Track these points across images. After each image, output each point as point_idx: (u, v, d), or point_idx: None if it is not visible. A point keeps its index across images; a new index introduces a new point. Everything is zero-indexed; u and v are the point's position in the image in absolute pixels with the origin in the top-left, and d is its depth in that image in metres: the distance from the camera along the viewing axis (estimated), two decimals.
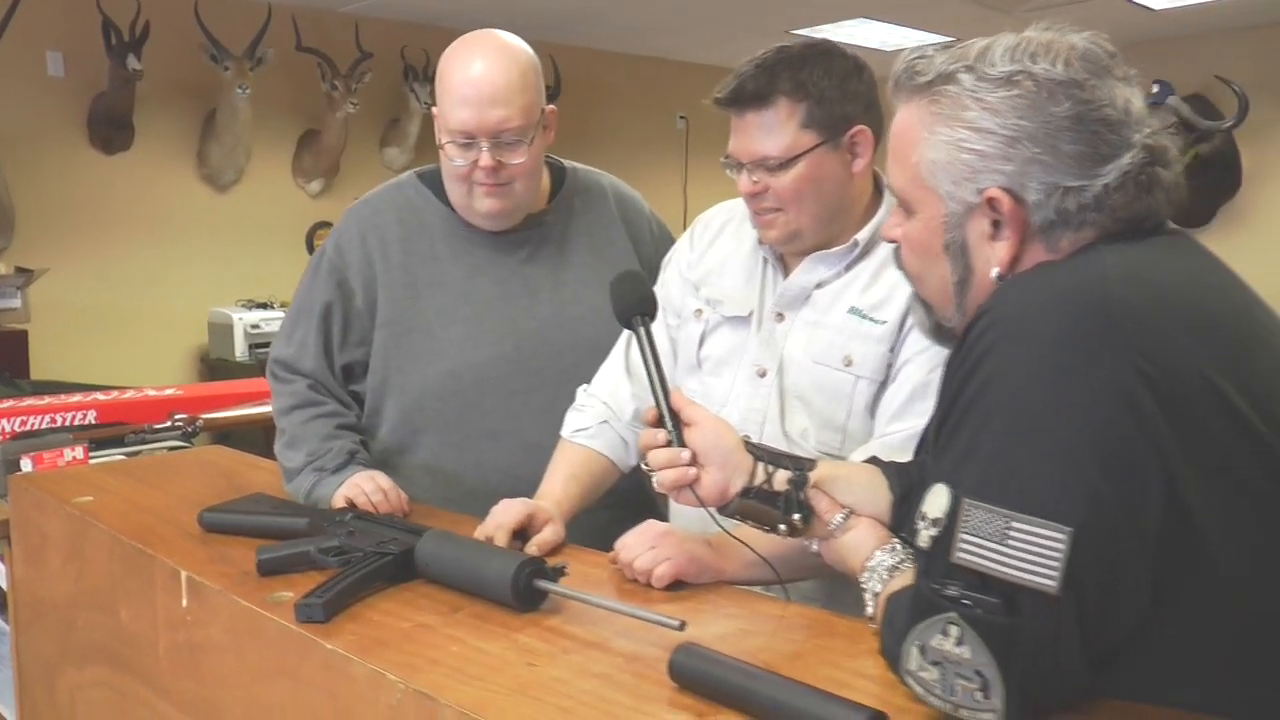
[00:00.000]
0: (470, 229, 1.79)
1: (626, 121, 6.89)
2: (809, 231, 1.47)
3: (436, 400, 1.78)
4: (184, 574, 1.36)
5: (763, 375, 1.51)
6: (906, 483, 1.21)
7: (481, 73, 1.63)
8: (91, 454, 2.38)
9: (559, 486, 1.56)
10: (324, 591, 1.17)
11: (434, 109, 1.72)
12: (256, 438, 4.33)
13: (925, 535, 0.90)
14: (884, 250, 1.45)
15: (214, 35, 4.85)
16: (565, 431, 1.64)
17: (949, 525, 0.87)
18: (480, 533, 1.43)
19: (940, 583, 0.87)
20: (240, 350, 4.93)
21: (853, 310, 1.45)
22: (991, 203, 0.97)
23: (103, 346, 4.87)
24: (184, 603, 1.37)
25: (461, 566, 1.25)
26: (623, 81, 6.73)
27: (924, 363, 1.39)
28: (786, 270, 1.53)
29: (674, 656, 0.97)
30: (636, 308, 1.28)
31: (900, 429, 1.40)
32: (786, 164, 1.41)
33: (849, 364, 1.44)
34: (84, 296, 4.85)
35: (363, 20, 5.53)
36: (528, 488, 1.59)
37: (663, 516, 1.57)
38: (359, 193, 6.11)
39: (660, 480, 1.19)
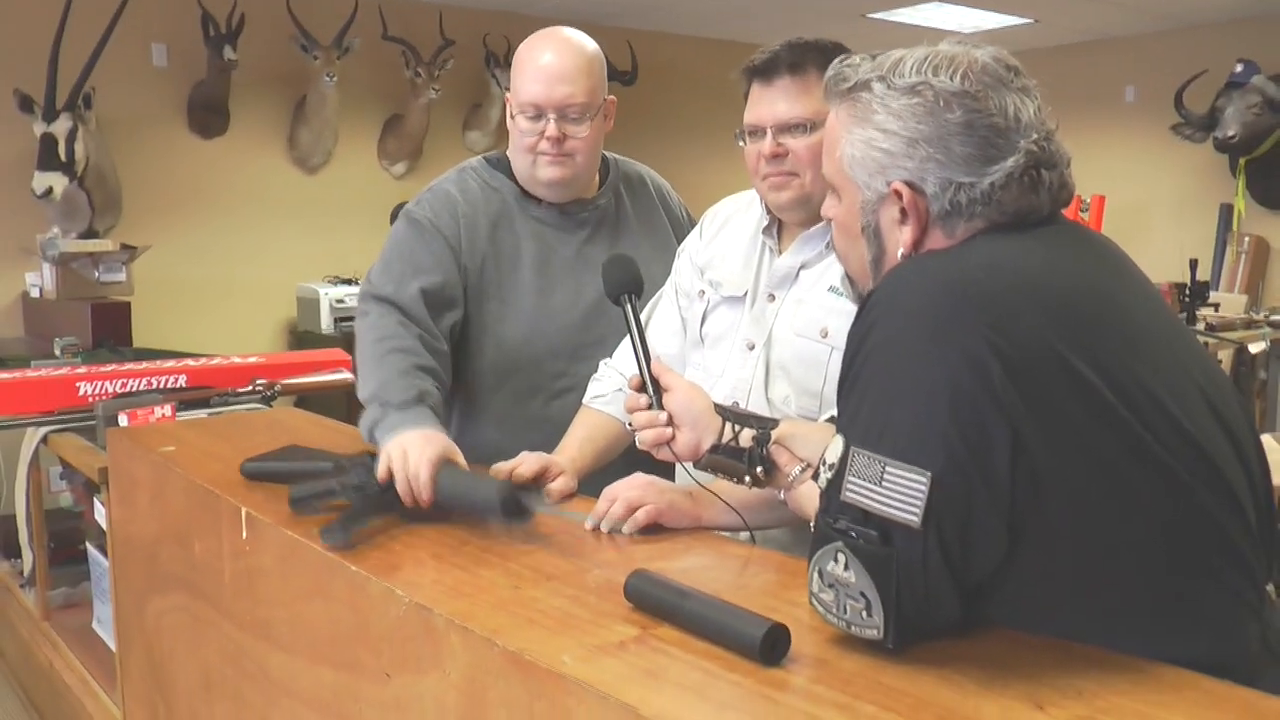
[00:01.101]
0: (540, 210, 1.98)
1: (699, 105, 7.03)
2: (817, 199, 1.56)
3: (509, 363, 1.98)
4: (244, 511, 1.59)
5: (751, 348, 1.67)
6: None
7: (552, 57, 1.87)
8: (178, 413, 2.65)
9: (575, 446, 1.76)
10: (344, 519, 1.39)
11: (508, 94, 1.95)
12: (334, 403, 4.61)
13: (824, 478, 1.06)
14: None
15: (304, 26, 5.13)
16: (585, 398, 1.84)
17: (840, 469, 1.03)
18: (500, 468, 1.63)
19: (834, 517, 1.04)
20: (326, 323, 5.22)
21: (832, 289, 1.60)
22: (897, 194, 1.13)
23: (198, 318, 5.21)
24: (243, 535, 1.59)
25: (457, 486, 1.46)
26: (696, 65, 6.87)
27: None
28: (782, 251, 1.69)
29: (628, 580, 1.16)
30: (623, 287, 1.48)
31: None
32: (812, 128, 1.54)
33: (825, 335, 1.59)
34: (182, 271, 5.18)
35: (446, 9, 5.76)
36: None
37: (669, 477, 1.76)
38: (440, 174, 6.33)
39: (641, 439, 1.38)
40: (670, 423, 1.36)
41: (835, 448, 1.05)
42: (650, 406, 1.38)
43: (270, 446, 2.07)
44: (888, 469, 0.99)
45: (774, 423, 1.37)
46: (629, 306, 1.46)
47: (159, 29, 5.07)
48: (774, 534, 1.53)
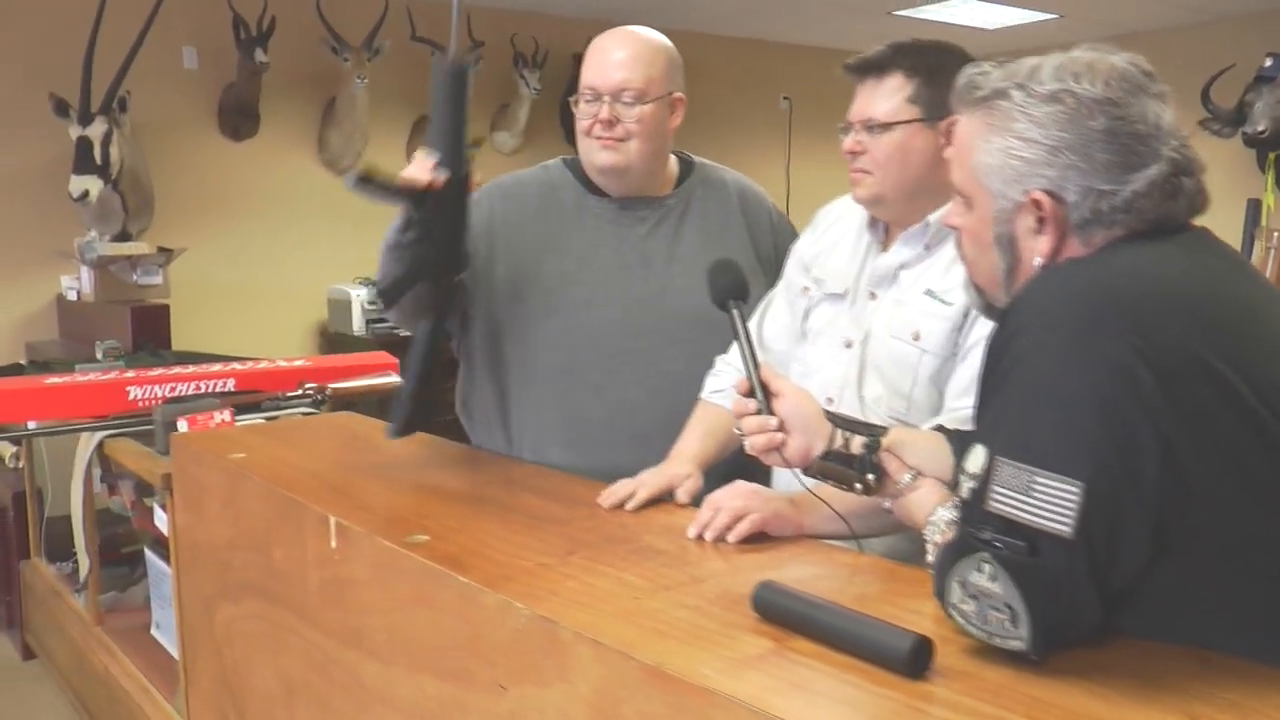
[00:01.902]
0: (599, 204, 1.98)
1: (729, 103, 7.01)
2: (891, 198, 1.62)
3: (547, 352, 1.98)
4: (332, 520, 1.58)
5: (848, 346, 1.67)
6: (965, 447, 1.36)
7: (612, 45, 1.93)
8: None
9: (696, 442, 1.76)
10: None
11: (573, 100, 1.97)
12: (382, 408, 4.59)
13: (966, 487, 1.05)
14: None
15: (334, 28, 5.13)
16: (704, 394, 1.83)
17: (984, 479, 1.02)
18: (617, 491, 1.62)
19: (977, 527, 1.02)
20: (358, 325, 5.21)
21: (928, 292, 1.60)
22: (1035, 203, 1.11)
23: (230, 320, 5.20)
24: (333, 544, 1.58)
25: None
26: (726, 63, 6.85)
27: None
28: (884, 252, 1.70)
29: (756, 591, 1.14)
30: (729, 292, 1.47)
31: (966, 405, 1.54)
32: (886, 128, 1.58)
33: (917, 338, 1.59)
34: (213, 273, 5.18)
35: (474, 10, 5.75)
36: (622, 439, 1.84)
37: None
38: None
39: (751, 444, 1.37)
40: (780, 428, 1.35)
41: (976, 457, 1.04)
42: (759, 412, 1.37)
43: (338, 452, 2.07)
44: (1036, 479, 0.98)
45: (883, 429, 1.36)
46: (736, 311, 1.45)
47: (190, 32, 5.07)
48: (876, 544, 1.51)
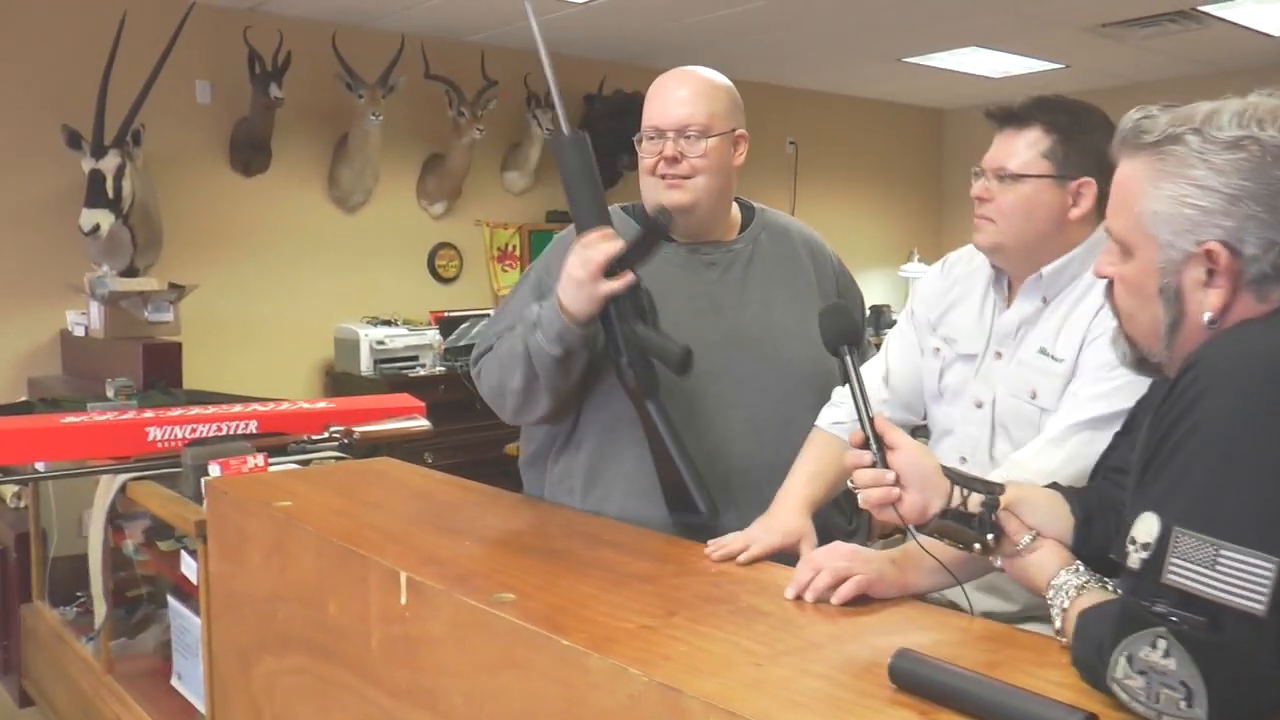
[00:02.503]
0: (667, 248, 1.91)
1: None
2: (1010, 249, 1.63)
3: (621, 401, 1.88)
4: (403, 575, 1.49)
5: (979, 406, 1.69)
6: (1086, 508, 1.32)
7: (673, 84, 1.91)
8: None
9: (804, 486, 1.71)
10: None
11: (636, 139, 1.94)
12: (408, 454, 4.47)
13: (1135, 558, 0.98)
14: (1072, 297, 1.61)
15: (349, 64, 5.09)
16: (822, 422, 1.80)
17: (1159, 550, 0.96)
18: (729, 545, 1.57)
19: (1149, 600, 0.96)
20: (365, 365, 5.13)
21: (1041, 350, 1.62)
22: (1209, 254, 1.05)
23: (234, 358, 5.10)
24: (403, 600, 1.50)
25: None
26: None
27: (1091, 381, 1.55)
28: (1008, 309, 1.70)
29: (894, 661, 1.07)
30: (842, 337, 1.42)
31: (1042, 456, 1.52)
32: (1016, 179, 1.60)
33: (1034, 397, 1.61)
34: (220, 310, 5.09)
35: (488, 49, 5.72)
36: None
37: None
38: (480, 215, 6.27)
39: (865, 498, 1.31)
40: (896, 482, 1.29)
41: (1148, 526, 0.98)
42: (874, 464, 1.31)
43: (387, 499, 1.99)
44: (1223, 553, 0.92)
45: (1000, 487, 1.29)
46: (849, 358, 1.39)
47: (203, 65, 5.01)
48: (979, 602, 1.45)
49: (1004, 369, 1.66)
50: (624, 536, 1.70)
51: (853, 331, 1.44)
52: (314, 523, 1.78)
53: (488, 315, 5.76)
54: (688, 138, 1.86)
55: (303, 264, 5.39)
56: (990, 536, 1.25)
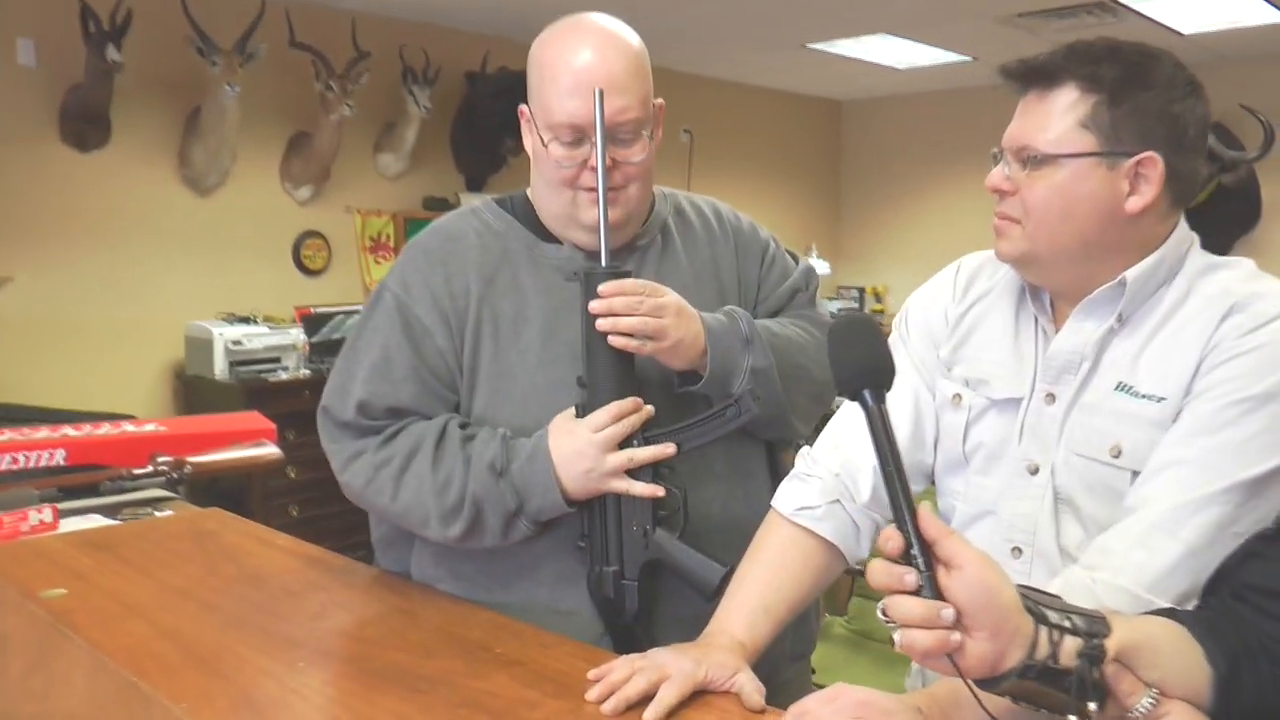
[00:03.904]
0: (559, 255, 1.52)
1: None
2: (1045, 258, 1.21)
3: None
4: None
5: (1034, 472, 1.23)
6: (1229, 653, 0.91)
7: (593, 59, 1.41)
8: (61, 506, 2.03)
9: (744, 617, 1.25)
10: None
11: (523, 107, 1.49)
12: (247, 494, 3.89)
13: None
14: (1159, 312, 1.18)
15: (202, 28, 4.48)
16: (785, 507, 1.34)
17: None
18: (616, 679, 1.14)
19: None
20: (220, 368, 4.54)
21: (1121, 386, 1.18)
22: None
23: (66, 363, 4.46)
24: None
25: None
26: None
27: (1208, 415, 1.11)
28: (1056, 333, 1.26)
29: None
30: (865, 377, 0.94)
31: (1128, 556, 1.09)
32: (1048, 161, 1.17)
33: (1118, 455, 1.16)
34: (47, 307, 4.44)
35: (360, 17, 5.16)
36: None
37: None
38: (350, 201, 5.68)
39: (908, 642, 0.86)
40: (957, 622, 0.86)
41: None
42: (920, 589, 0.87)
43: (204, 583, 1.49)
44: None
45: (1103, 623, 0.89)
46: (876, 409, 0.93)
47: (27, 22, 4.34)
48: None
49: (1064, 417, 1.22)
50: (531, 649, 1.25)
51: (878, 365, 0.96)
52: (90, 629, 1.29)
53: (358, 311, 5.22)
54: (623, 140, 1.43)
55: (148, 253, 4.75)
56: (1094, 706, 0.85)
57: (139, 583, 1.47)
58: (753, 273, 1.63)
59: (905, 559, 0.89)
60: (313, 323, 5.02)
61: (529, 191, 1.59)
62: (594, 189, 1.42)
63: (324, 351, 4.89)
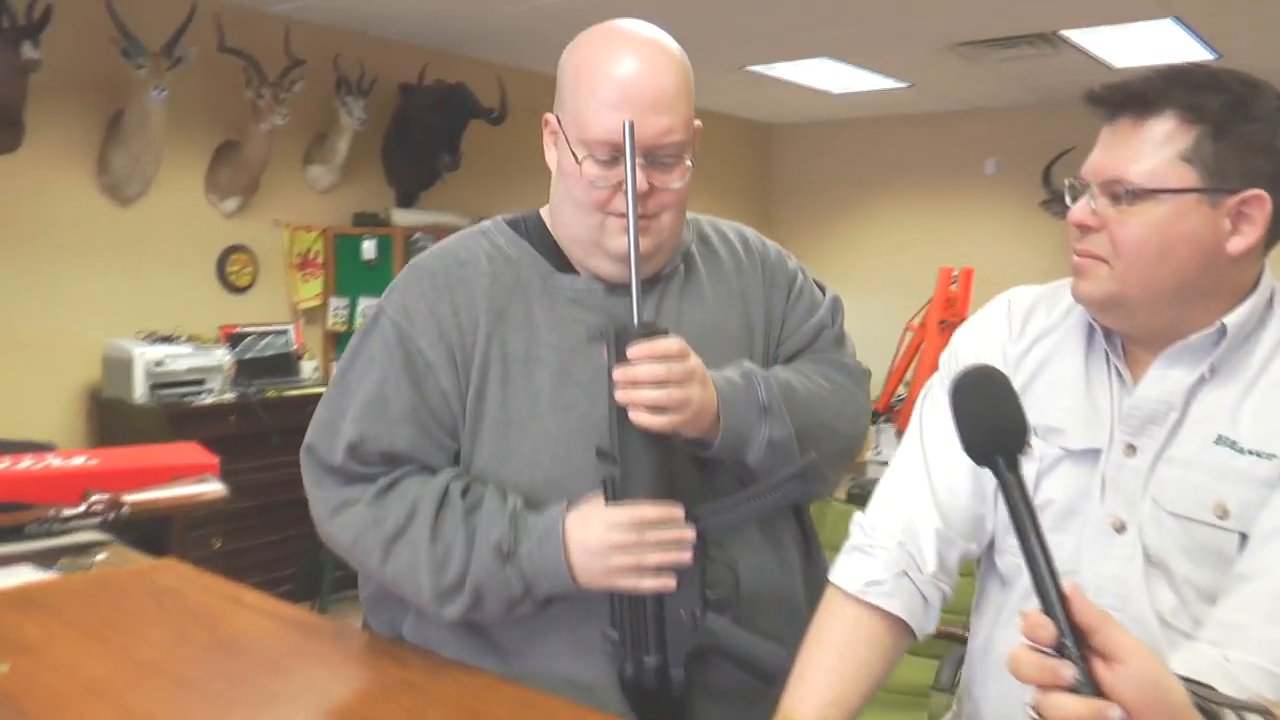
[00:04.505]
0: (576, 286, 1.39)
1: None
2: (1135, 302, 1.13)
3: (535, 495, 1.33)
4: None
5: (1120, 530, 1.14)
6: None
7: (639, 71, 1.29)
8: None
9: (815, 714, 1.13)
10: None
11: (548, 116, 1.37)
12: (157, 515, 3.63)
13: None
14: (1255, 360, 1.13)
15: (127, 28, 4.22)
16: (850, 583, 1.22)
17: None
18: None
19: None
20: (140, 391, 4.25)
21: (1220, 440, 1.10)
22: None
23: None
24: None
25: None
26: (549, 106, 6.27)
27: None
28: (1136, 378, 1.17)
29: None
30: (997, 441, 0.83)
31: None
32: (1141, 196, 1.09)
33: (1224, 516, 1.08)
34: None
35: (294, 23, 4.94)
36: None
37: None
38: (279, 214, 5.44)
39: None
40: None
41: None
42: (1077, 687, 0.76)
43: (176, 646, 1.31)
44: None
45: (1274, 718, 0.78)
46: (1012, 477, 0.83)
47: None
48: None
49: (1148, 472, 1.13)
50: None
51: (1011, 427, 0.85)
52: (44, 717, 1.10)
53: (285, 332, 5.04)
54: (664, 163, 1.30)
55: (62, 266, 4.45)
56: None
57: (97, 654, 1.28)
58: (779, 306, 1.50)
59: (1057, 648, 0.78)
60: (239, 342, 4.76)
61: (544, 212, 1.45)
62: (625, 215, 1.28)
63: (251, 373, 4.66)
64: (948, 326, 6.25)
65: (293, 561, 4.63)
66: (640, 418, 1.21)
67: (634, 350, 1.22)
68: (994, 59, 5.82)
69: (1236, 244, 1.09)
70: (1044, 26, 5.15)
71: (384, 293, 1.41)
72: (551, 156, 1.37)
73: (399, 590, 1.31)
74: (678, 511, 1.23)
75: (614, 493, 1.24)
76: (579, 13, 5.15)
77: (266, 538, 4.58)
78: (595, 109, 1.28)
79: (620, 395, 1.22)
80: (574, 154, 1.30)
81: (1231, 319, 1.11)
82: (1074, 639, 0.78)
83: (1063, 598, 0.79)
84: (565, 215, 1.38)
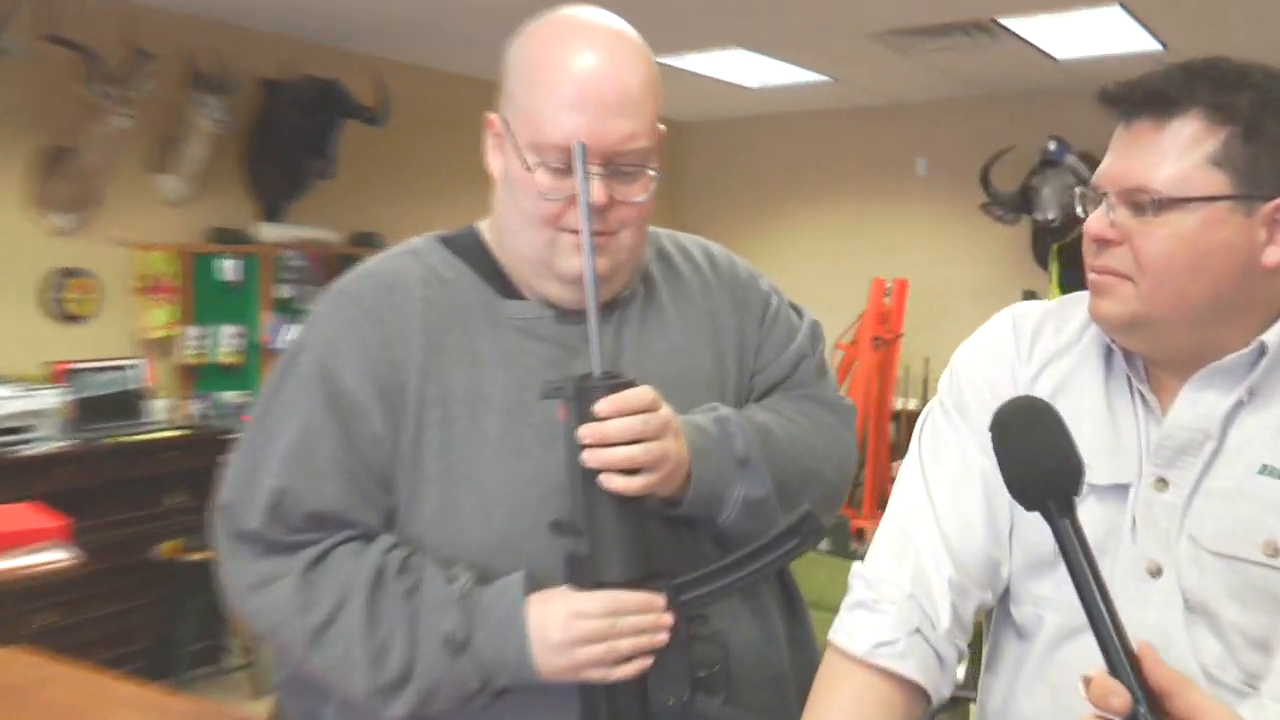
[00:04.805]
0: (524, 314, 1.29)
1: (459, 151, 5.89)
2: (1162, 322, 1.08)
3: (481, 553, 1.24)
4: None
5: (1156, 574, 1.10)
6: None
7: (602, 65, 1.20)
8: None
9: None
10: None
11: (492, 116, 1.27)
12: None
13: None
14: None
15: None
16: (856, 645, 1.14)
17: None
18: None
19: None
20: None
21: (1265, 470, 1.06)
22: None
23: None
24: None
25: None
26: (459, 106, 5.74)
27: None
28: (1163, 404, 1.13)
29: None
30: (1048, 484, 0.84)
31: None
32: (1168, 205, 1.04)
33: (1275, 554, 1.04)
34: None
35: (139, 11, 4.39)
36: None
37: None
38: (122, 232, 4.77)
39: None
40: None
41: None
42: None
43: None
44: None
45: None
46: (1066, 524, 0.81)
47: None
48: None
49: (1184, 507, 1.09)
50: None
51: (1062, 463, 0.84)
52: None
53: (132, 367, 4.44)
54: (625, 172, 1.21)
55: None
56: None
57: None
58: (752, 333, 1.41)
59: (1130, 717, 0.78)
60: (76, 379, 4.22)
61: (482, 227, 1.34)
62: (579, 232, 1.19)
63: (91, 416, 4.16)
64: (882, 344, 5.85)
65: (142, 635, 4.10)
66: (614, 482, 1.12)
67: (603, 405, 1.12)
68: (926, 49, 5.52)
69: (1273, 255, 1.05)
70: (980, 14, 4.87)
71: (304, 323, 1.30)
72: (495, 162, 1.27)
73: (329, 684, 1.21)
74: (659, 600, 1.14)
75: (581, 572, 1.14)
76: (458, 4, 4.70)
77: (111, 608, 4.06)
78: (551, 109, 1.18)
79: (591, 457, 1.12)
80: (524, 160, 1.20)
81: (1271, 337, 1.07)
82: (1150, 707, 0.77)
83: (1132, 657, 0.79)
84: (512, 230, 1.27)
